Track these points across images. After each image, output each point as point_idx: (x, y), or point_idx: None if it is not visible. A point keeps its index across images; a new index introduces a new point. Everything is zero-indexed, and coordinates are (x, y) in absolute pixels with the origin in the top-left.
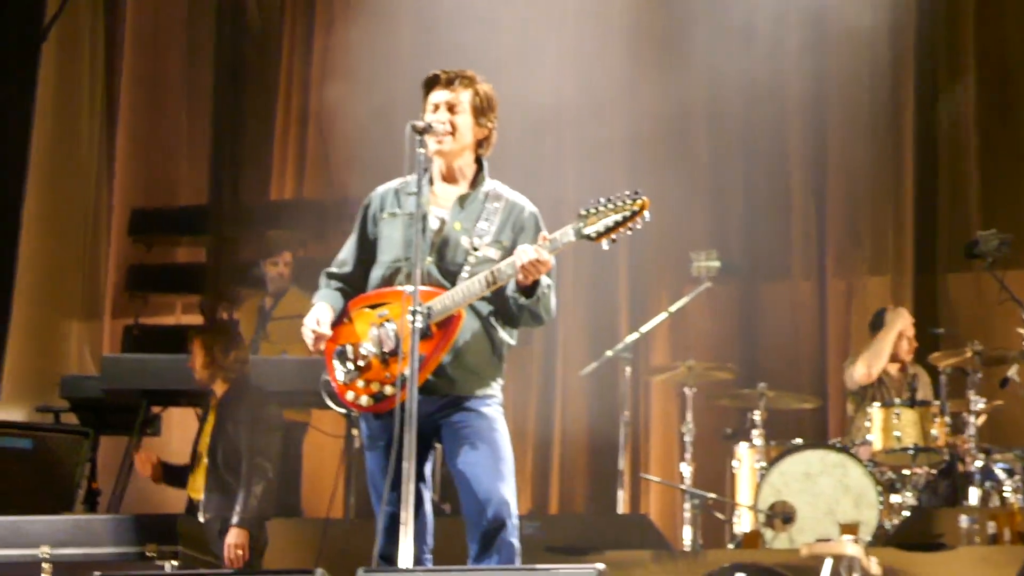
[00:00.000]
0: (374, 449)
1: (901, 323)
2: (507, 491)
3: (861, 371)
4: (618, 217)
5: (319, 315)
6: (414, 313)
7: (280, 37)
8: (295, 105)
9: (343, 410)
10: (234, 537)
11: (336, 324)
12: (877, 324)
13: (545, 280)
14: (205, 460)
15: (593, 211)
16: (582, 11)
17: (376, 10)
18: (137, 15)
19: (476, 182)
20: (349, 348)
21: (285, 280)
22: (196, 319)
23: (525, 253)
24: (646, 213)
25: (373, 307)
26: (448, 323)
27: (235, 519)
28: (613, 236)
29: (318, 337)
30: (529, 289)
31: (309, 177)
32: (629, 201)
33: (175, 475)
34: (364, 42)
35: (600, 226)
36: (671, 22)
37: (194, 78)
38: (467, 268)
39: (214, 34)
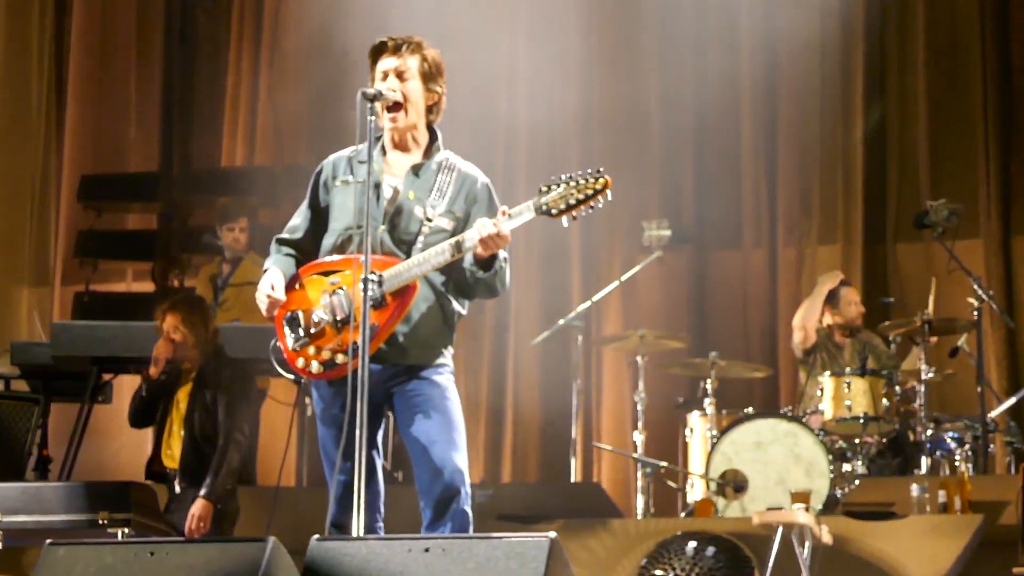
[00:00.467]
0: (326, 418)
1: (830, 283)
2: (460, 459)
3: (797, 335)
4: (580, 196)
5: (273, 280)
6: (365, 281)
7: (230, 1)
8: (246, 70)
9: (292, 376)
10: (199, 509)
11: (287, 290)
12: (829, 298)
13: (502, 254)
14: (179, 430)
15: (555, 187)
16: None
17: None
18: None
19: (429, 151)
20: (300, 314)
21: (241, 246)
22: (147, 286)
23: (485, 227)
24: (608, 192)
25: (325, 274)
26: (403, 292)
27: (203, 491)
28: (573, 214)
29: (272, 303)
30: (487, 262)
31: (260, 143)
32: (592, 180)
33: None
34: (316, 6)
35: (561, 203)
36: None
37: (144, 43)
38: (421, 238)
39: None
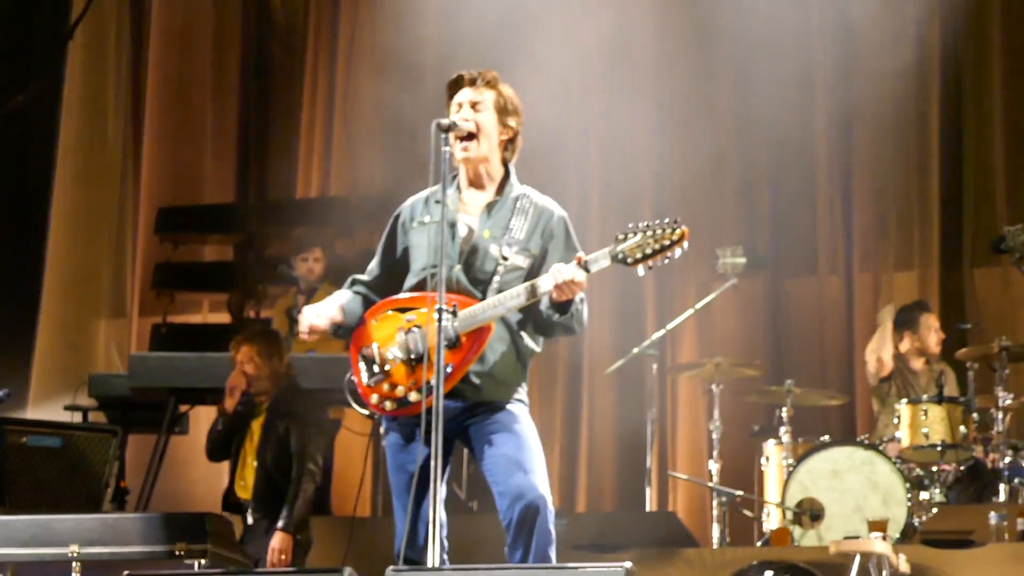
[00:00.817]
0: (395, 464)
1: (889, 316)
2: (540, 481)
3: (872, 364)
4: (656, 245)
5: (321, 308)
6: (440, 311)
7: (305, 33)
8: (320, 101)
9: (366, 411)
10: (279, 542)
11: (362, 325)
12: (908, 323)
13: (579, 295)
14: (252, 461)
15: (631, 236)
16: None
17: (402, 6)
18: (163, 12)
19: (503, 187)
20: (376, 350)
21: (316, 276)
22: (224, 317)
23: (561, 273)
24: (685, 243)
25: (402, 311)
26: (478, 333)
27: (281, 523)
28: (650, 264)
29: (311, 329)
30: (563, 306)
31: (335, 174)
32: (668, 230)
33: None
34: (389, 38)
35: (638, 252)
36: (698, 21)
37: (220, 75)
38: (496, 277)
39: (240, 30)
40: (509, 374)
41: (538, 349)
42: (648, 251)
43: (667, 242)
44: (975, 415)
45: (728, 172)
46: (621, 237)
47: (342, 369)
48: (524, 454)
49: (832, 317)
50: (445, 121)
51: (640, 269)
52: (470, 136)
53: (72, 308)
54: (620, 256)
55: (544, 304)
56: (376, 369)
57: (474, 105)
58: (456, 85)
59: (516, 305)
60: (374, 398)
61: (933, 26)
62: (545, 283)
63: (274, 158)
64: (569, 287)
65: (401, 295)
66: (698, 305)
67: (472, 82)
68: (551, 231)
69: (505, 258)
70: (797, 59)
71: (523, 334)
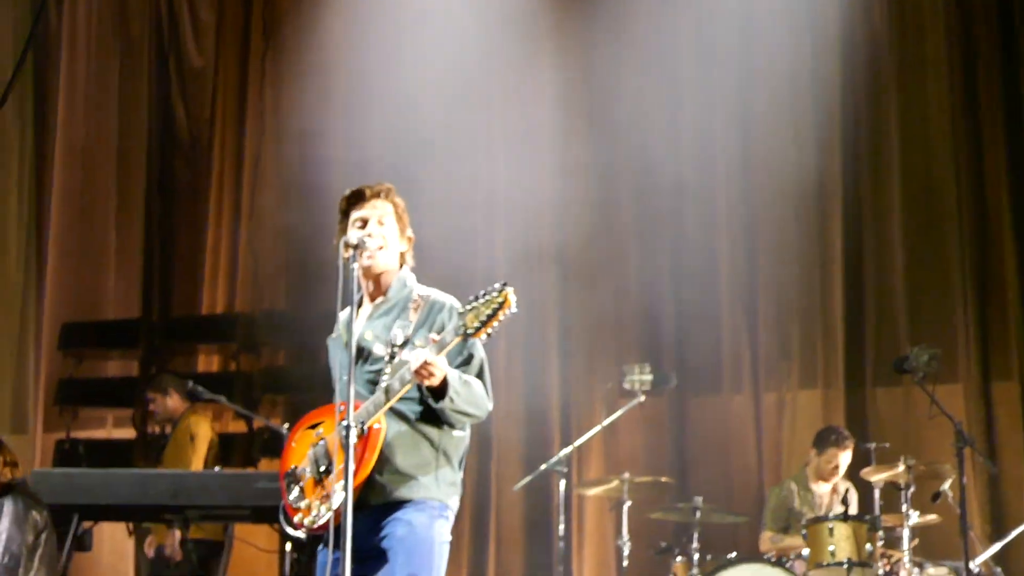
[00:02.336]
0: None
1: None
2: None
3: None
4: (488, 311)
5: None
6: (348, 429)
7: (210, 150)
8: (226, 218)
9: (297, 533)
10: None
11: (285, 446)
12: (818, 442)
13: (455, 380)
14: None
15: (470, 308)
16: (512, 112)
17: (307, 125)
18: (66, 128)
19: (389, 289)
20: (294, 470)
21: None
22: (129, 433)
23: (416, 358)
24: (511, 305)
25: (313, 427)
26: (367, 435)
27: None
28: (487, 330)
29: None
30: (437, 391)
31: (240, 290)
32: (495, 294)
33: None
34: (296, 155)
35: (475, 323)
36: (599, 133)
37: (124, 191)
38: (385, 376)
39: (144, 147)
40: (414, 467)
41: (461, 435)
42: (483, 319)
43: (495, 305)
44: (880, 533)
45: (632, 289)
46: (462, 311)
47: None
48: (410, 571)
49: (737, 435)
50: (353, 239)
51: (483, 336)
52: (379, 248)
53: None
54: (462, 330)
55: (424, 392)
56: (295, 489)
57: (380, 220)
58: (355, 199)
59: (392, 396)
60: (297, 517)
61: (833, 150)
62: (408, 372)
63: (178, 274)
64: (426, 369)
65: (312, 411)
66: (605, 422)
67: (375, 195)
68: (442, 323)
69: (391, 357)
70: (699, 175)
71: (431, 424)
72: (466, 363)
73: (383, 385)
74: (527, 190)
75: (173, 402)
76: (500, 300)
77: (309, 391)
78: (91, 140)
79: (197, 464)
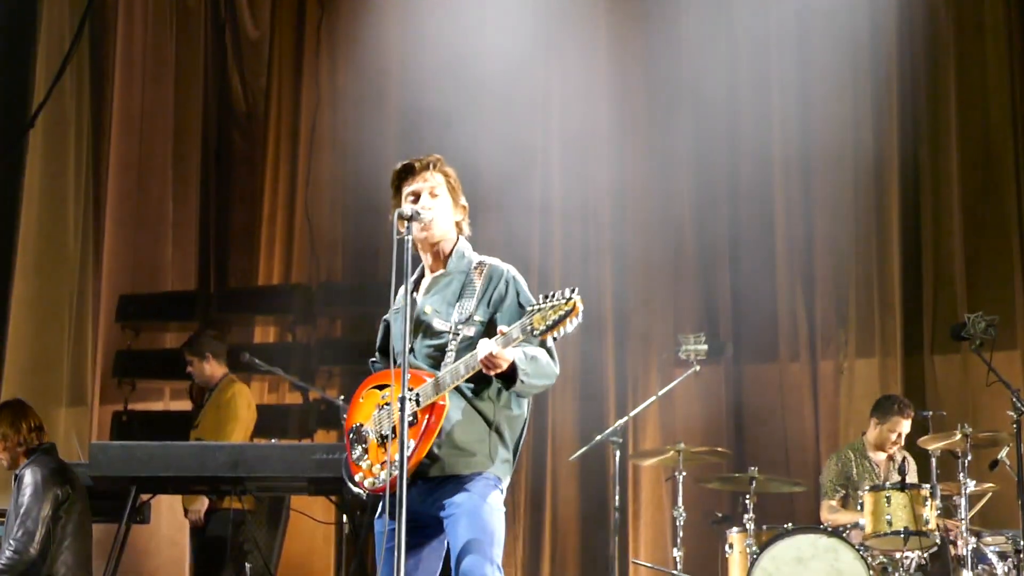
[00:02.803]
0: (384, 555)
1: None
2: (490, 570)
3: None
4: (555, 316)
5: None
6: (403, 401)
7: (267, 120)
8: (282, 189)
9: (356, 489)
10: None
11: (352, 401)
12: (880, 411)
13: (522, 361)
14: None
15: (538, 309)
16: (570, 98)
17: (363, 94)
18: (123, 100)
19: (448, 261)
20: (359, 427)
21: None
22: (185, 405)
23: (483, 348)
24: (578, 314)
25: (380, 387)
26: (430, 409)
27: None
28: (554, 334)
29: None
30: (507, 377)
31: (296, 262)
32: (563, 301)
33: None
34: (350, 125)
35: (541, 324)
36: (657, 113)
37: (180, 163)
38: (450, 349)
39: (200, 118)
40: (475, 443)
41: (517, 412)
42: (549, 322)
43: (562, 312)
44: (938, 502)
45: (688, 257)
46: (529, 309)
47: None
48: (476, 541)
49: (794, 404)
50: (407, 211)
51: (549, 339)
52: (432, 220)
53: (32, 396)
54: (528, 329)
55: (494, 377)
56: (358, 447)
57: (432, 191)
58: (406, 173)
59: (458, 380)
60: (358, 475)
61: (891, 117)
62: (474, 360)
63: (235, 246)
64: (492, 361)
65: (380, 372)
66: (660, 392)
67: (425, 168)
68: (499, 296)
69: (450, 330)
70: (757, 144)
71: (488, 400)
72: None
73: (449, 366)
74: (585, 161)
75: (211, 367)
76: (568, 308)
77: (365, 363)
78: (147, 111)
79: (241, 436)
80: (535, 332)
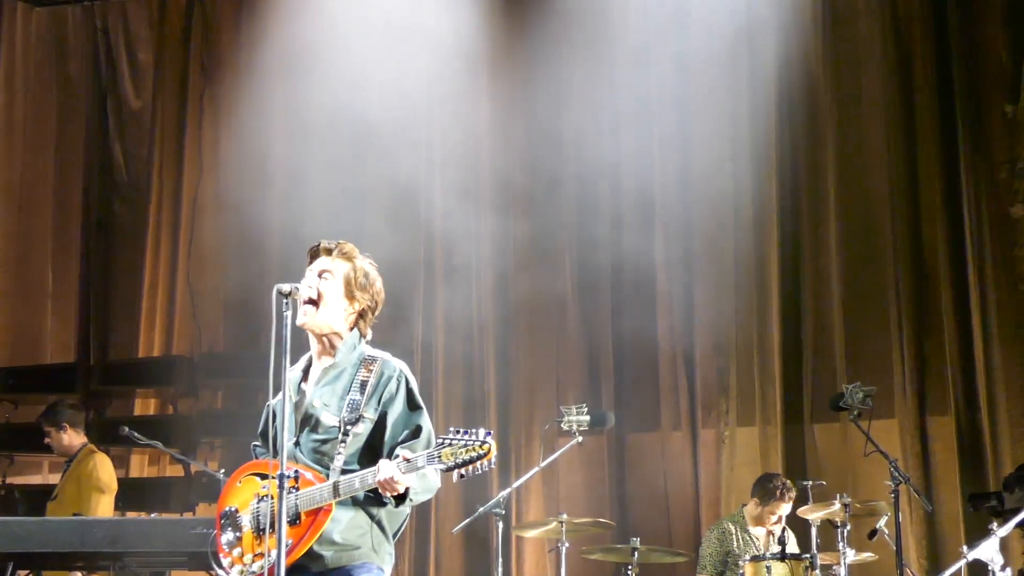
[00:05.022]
0: None
1: None
2: None
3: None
4: (466, 456)
5: None
6: (282, 487)
7: (148, 190)
8: (164, 260)
9: (221, 572)
10: None
11: (228, 483)
12: (762, 493)
13: (415, 483)
14: None
15: (448, 443)
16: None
17: (246, 165)
18: (3, 170)
19: (337, 351)
20: (234, 512)
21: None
22: None
23: (385, 471)
24: (491, 458)
25: (261, 476)
26: (316, 513)
27: None
28: (461, 472)
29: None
30: (398, 497)
31: (178, 332)
32: (477, 443)
33: None
34: (233, 194)
35: (451, 460)
36: (540, 189)
37: (61, 233)
38: (339, 452)
39: (81, 187)
40: (355, 539)
41: (398, 508)
42: (458, 460)
43: (474, 454)
44: (818, 572)
45: (570, 328)
46: (440, 442)
47: None
48: None
49: (676, 472)
50: (286, 287)
51: (454, 476)
52: (311, 302)
53: None
54: (435, 461)
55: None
56: (230, 533)
57: (321, 273)
58: (312, 254)
59: (351, 493)
60: (226, 561)
61: (771, 186)
62: (372, 478)
63: (116, 317)
64: (390, 484)
65: (260, 458)
66: (543, 463)
67: (328, 252)
68: (390, 394)
69: (338, 426)
70: (639, 214)
71: (373, 506)
72: (414, 436)
73: (343, 478)
74: (468, 229)
75: (69, 437)
76: (481, 452)
77: (247, 435)
78: (28, 181)
79: (104, 511)
80: (441, 466)
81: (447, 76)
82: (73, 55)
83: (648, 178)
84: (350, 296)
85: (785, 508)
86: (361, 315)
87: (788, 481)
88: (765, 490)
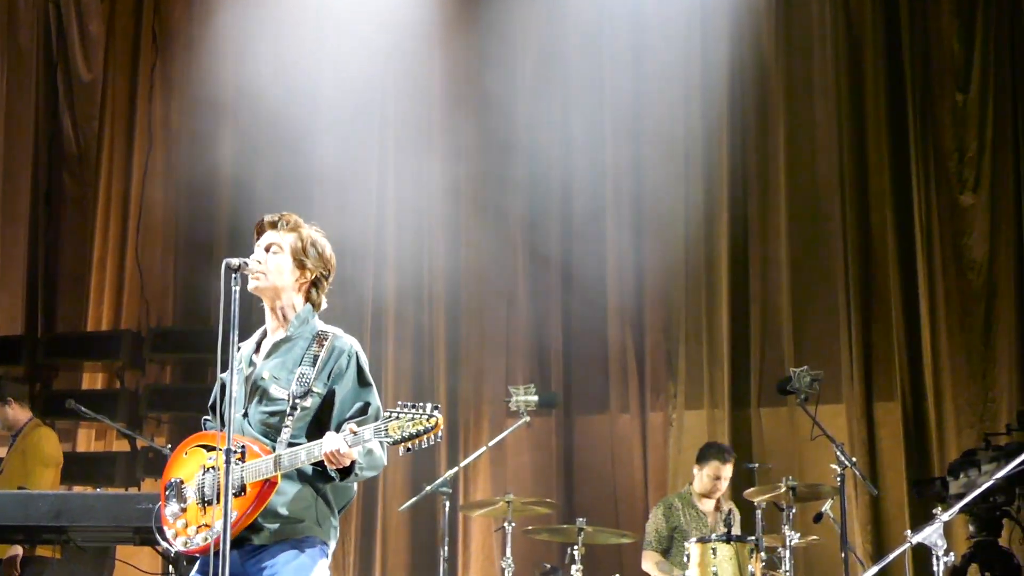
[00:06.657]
0: None
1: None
2: None
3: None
4: (412, 430)
5: None
6: (228, 462)
7: (98, 163)
8: (112, 233)
9: (165, 544)
10: None
11: (174, 455)
12: (700, 456)
13: (361, 457)
14: None
15: (395, 416)
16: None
17: (197, 135)
18: None
19: (289, 325)
20: (179, 483)
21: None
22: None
23: (330, 443)
24: (438, 432)
25: (208, 447)
26: (262, 484)
27: None
28: (408, 446)
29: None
30: (343, 470)
31: (127, 306)
32: (424, 416)
33: None
34: (183, 168)
35: (397, 433)
36: (492, 164)
37: (9, 204)
38: (287, 424)
39: (31, 159)
40: (299, 511)
41: (344, 483)
42: (404, 434)
43: (420, 428)
44: (763, 554)
45: (519, 308)
46: (387, 415)
47: None
48: None
49: (623, 455)
50: (235, 261)
51: (400, 449)
52: (261, 275)
53: None
54: (382, 434)
55: (327, 467)
56: (175, 505)
57: (269, 247)
58: (258, 228)
59: (295, 466)
60: (170, 532)
61: (721, 170)
62: (319, 450)
63: (64, 290)
64: (336, 457)
65: (208, 431)
66: (491, 443)
67: (273, 225)
68: (339, 370)
69: (288, 399)
70: (589, 198)
71: (319, 480)
72: (362, 412)
73: (288, 450)
74: (419, 208)
75: (14, 411)
76: (429, 426)
77: (195, 410)
78: None
79: (49, 485)
80: (388, 439)
81: (398, 55)
82: (23, 25)
83: (599, 161)
84: (300, 266)
85: (724, 470)
86: (315, 284)
87: (727, 446)
88: (703, 454)
